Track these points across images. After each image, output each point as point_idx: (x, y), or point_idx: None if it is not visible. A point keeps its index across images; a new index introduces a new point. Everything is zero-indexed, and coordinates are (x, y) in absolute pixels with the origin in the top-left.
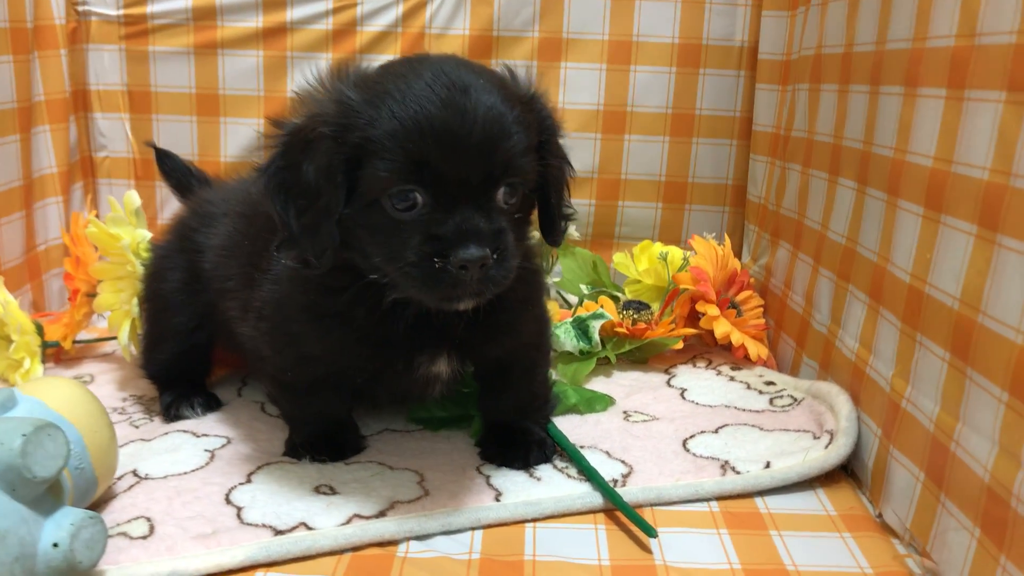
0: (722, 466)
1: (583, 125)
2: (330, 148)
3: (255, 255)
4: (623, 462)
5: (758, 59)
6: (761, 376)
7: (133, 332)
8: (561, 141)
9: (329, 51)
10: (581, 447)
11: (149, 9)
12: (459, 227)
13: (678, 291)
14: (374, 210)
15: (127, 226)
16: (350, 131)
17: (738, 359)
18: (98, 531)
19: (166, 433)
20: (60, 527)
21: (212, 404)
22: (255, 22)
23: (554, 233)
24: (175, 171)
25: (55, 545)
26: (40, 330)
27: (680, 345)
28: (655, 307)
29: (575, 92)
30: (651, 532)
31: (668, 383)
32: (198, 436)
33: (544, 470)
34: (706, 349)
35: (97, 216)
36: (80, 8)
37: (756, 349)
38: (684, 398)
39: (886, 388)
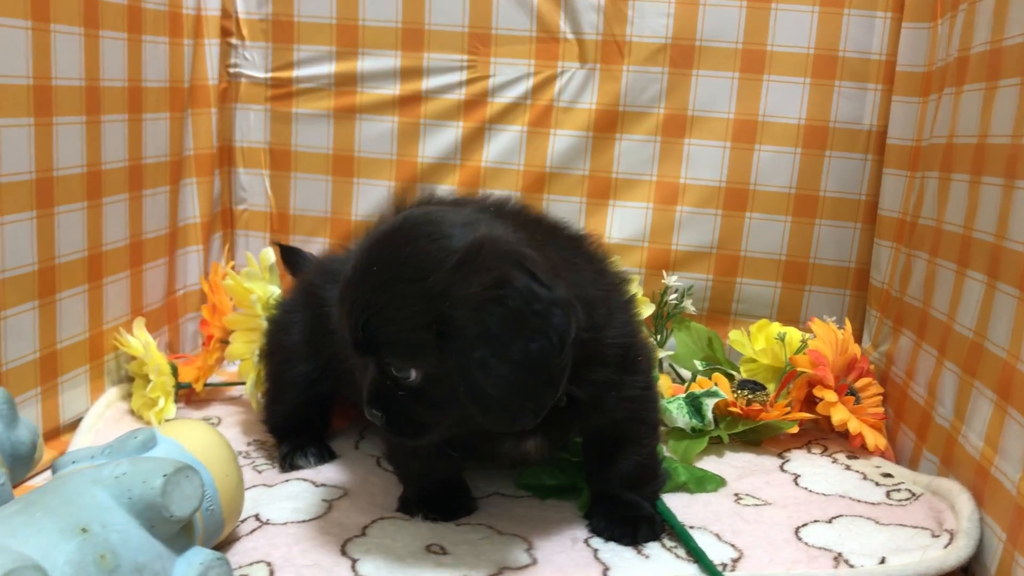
0: (835, 558)
1: (704, 201)
2: None
3: None
4: (733, 546)
5: (886, 144)
6: (879, 467)
7: (260, 382)
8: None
9: (460, 119)
10: (690, 527)
11: (295, 73)
12: (367, 385)
13: (795, 373)
14: None
15: (260, 281)
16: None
17: (855, 448)
18: (224, 572)
19: (287, 480)
20: (191, 565)
21: (325, 455)
22: (392, 90)
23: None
24: (300, 265)
25: None
26: (175, 371)
27: (796, 429)
28: (771, 388)
29: (698, 168)
30: None
31: (781, 468)
32: (317, 485)
33: (652, 548)
34: (822, 435)
35: (233, 266)
36: (232, 70)
37: (874, 439)
38: (798, 484)
39: (1012, 491)
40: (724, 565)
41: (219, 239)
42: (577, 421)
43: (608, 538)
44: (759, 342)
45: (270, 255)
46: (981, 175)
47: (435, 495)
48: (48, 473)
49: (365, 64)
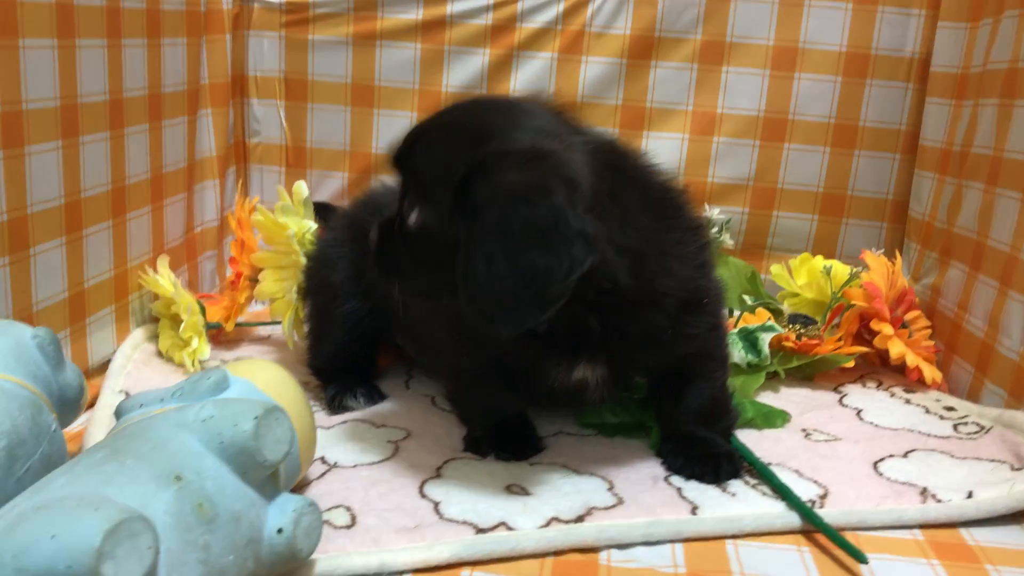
0: (921, 492)
1: (742, 131)
2: None
3: None
4: (815, 482)
5: (930, 71)
6: (939, 401)
7: (297, 321)
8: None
9: (487, 46)
10: (768, 464)
11: None
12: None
13: (843, 307)
14: None
15: (295, 216)
16: None
17: (911, 381)
18: (316, 519)
19: (344, 422)
20: (284, 513)
21: (375, 396)
22: (415, 14)
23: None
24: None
25: (279, 531)
26: (203, 311)
27: (852, 363)
28: (818, 322)
29: (735, 97)
30: (861, 558)
31: (840, 402)
32: (377, 426)
33: (736, 485)
34: (874, 369)
35: (257, 200)
36: None
37: (931, 372)
38: (862, 419)
39: None
40: (812, 502)
41: (232, 174)
42: (637, 356)
43: (689, 476)
44: (802, 276)
45: (303, 188)
46: None
47: (503, 434)
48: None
49: None
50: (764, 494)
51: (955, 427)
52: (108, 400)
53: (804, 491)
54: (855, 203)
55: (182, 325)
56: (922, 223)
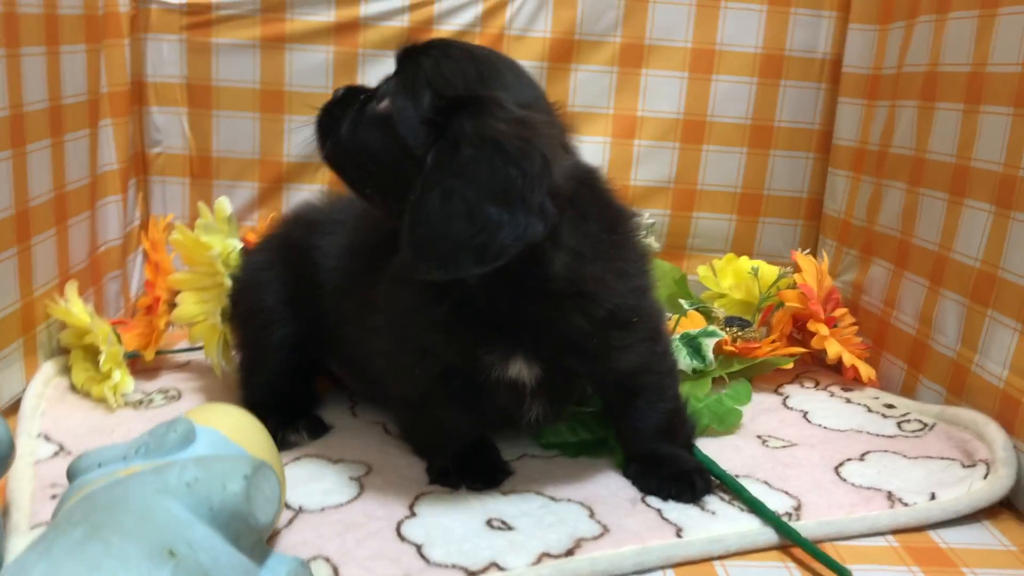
0: (888, 497)
1: (663, 134)
2: None
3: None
4: (786, 493)
5: (842, 72)
6: (877, 398)
7: (226, 348)
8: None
9: None
10: (736, 476)
11: None
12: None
13: (772, 307)
14: None
15: (218, 234)
16: None
17: (847, 380)
18: None
19: (297, 458)
20: None
21: (318, 428)
22: (327, 16)
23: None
24: None
25: None
26: (119, 340)
27: (791, 365)
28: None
29: (656, 100)
30: (845, 572)
31: (785, 404)
32: (334, 462)
33: (713, 503)
34: (808, 368)
35: (172, 218)
36: None
37: (866, 370)
38: (809, 421)
39: None
40: (788, 515)
41: (133, 187)
42: (569, 361)
43: (666, 497)
44: (727, 277)
45: (227, 204)
46: (980, 103)
47: (469, 461)
48: None
49: None
50: (741, 510)
51: (899, 425)
52: (26, 447)
53: (777, 503)
54: (771, 202)
55: (101, 357)
56: (838, 220)
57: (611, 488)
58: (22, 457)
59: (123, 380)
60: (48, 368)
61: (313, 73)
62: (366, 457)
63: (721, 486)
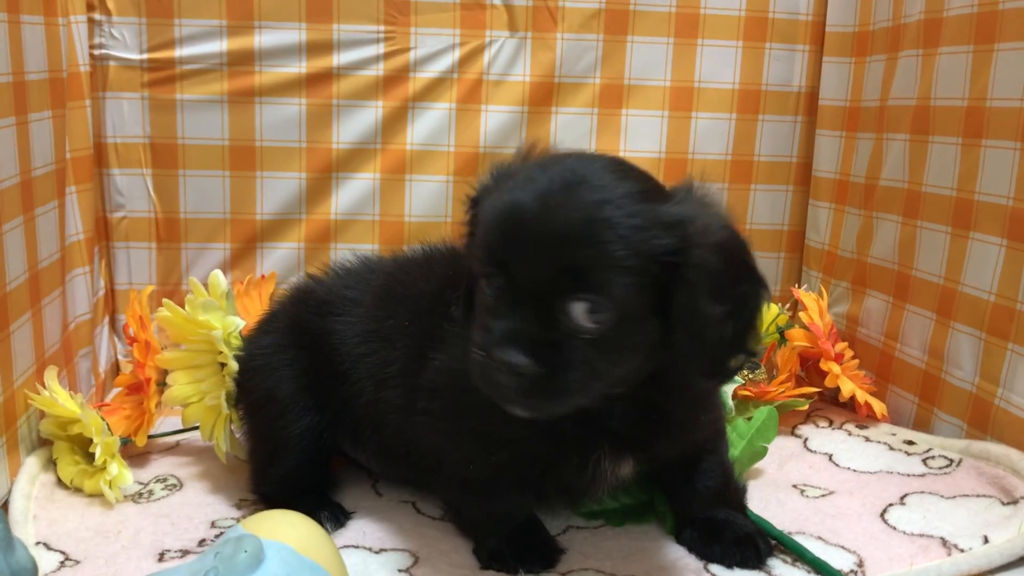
0: (942, 544)
1: None
2: (468, 221)
3: (420, 335)
4: (844, 548)
5: (819, 105)
6: (895, 435)
7: (231, 434)
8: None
9: (380, 99)
10: (789, 534)
11: (178, 53)
12: (506, 327)
13: (773, 346)
14: (480, 288)
15: (217, 312)
16: (474, 205)
17: (858, 416)
18: None
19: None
20: None
21: (340, 517)
22: (298, 67)
23: (688, 372)
24: None
25: None
26: (110, 429)
27: (806, 406)
28: None
29: (637, 140)
30: None
31: (806, 447)
32: (376, 552)
33: (778, 566)
34: (817, 406)
35: (151, 290)
36: (97, 52)
37: (879, 406)
38: (836, 464)
39: None
40: (853, 572)
41: (96, 254)
42: (667, 443)
43: (731, 564)
44: None
45: (222, 279)
46: (981, 137)
47: (520, 542)
48: None
49: (264, 39)
50: (808, 572)
51: (924, 462)
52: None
53: (839, 561)
54: (754, 236)
55: (96, 449)
56: (822, 252)
57: (670, 558)
58: None
59: (121, 473)
60: (31, 464)
61: (286, 127)
62: (408, 544)
63: (779, 546)
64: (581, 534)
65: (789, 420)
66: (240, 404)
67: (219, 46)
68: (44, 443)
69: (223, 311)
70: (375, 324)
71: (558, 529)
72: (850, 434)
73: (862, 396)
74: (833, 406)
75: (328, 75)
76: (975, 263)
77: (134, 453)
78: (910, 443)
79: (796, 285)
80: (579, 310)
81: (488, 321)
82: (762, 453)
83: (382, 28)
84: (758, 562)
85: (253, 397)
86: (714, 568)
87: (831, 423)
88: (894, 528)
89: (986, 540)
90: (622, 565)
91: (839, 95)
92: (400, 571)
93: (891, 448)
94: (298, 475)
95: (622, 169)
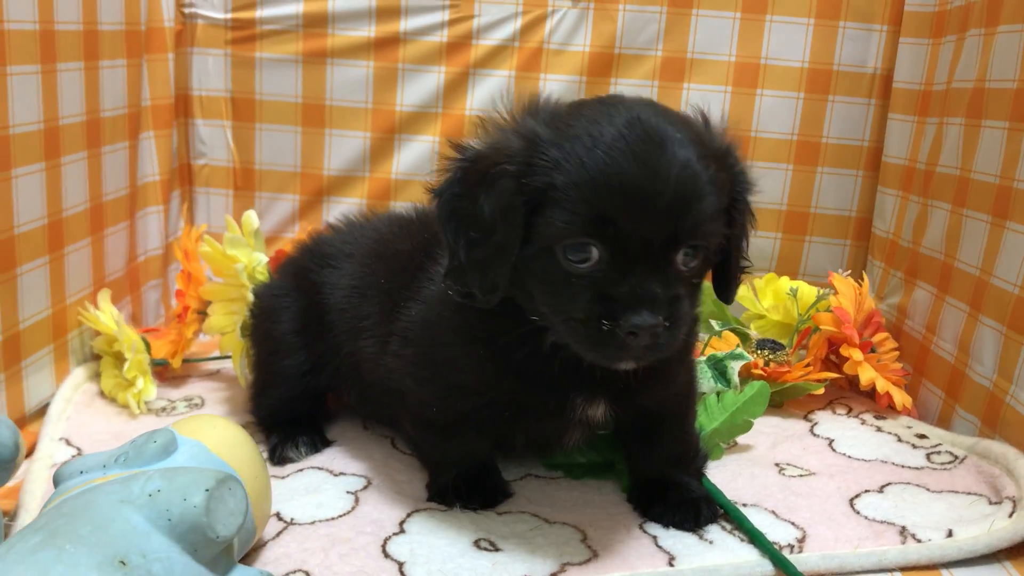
0: (900, 532)
1: None
2: (511, 187)
3: (395, 291)
4: (793, 524)
5: (892, 88)
6: (910, 428)
7: (249, 358)
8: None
9: (442, 64)
10: (743, 505)
11: (258, 14)
12: (634, 291)
13: (810, 330)
14: (547, 258)
15: (245, 248)
16: (534, 173)
17: (881, 407)
18: None
19: (300, 470)
20: None
21: (318, 444)
22: (367, 31)
23: (729, 291)
24: None
25: None
26: (148, 347)
27: (822, 390)
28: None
29: None
30: None
31: (812, 431)
32: (335, 475)
33: (714, 532)
34: (842, 394)
35: (205, 228)
36: (187, 11)
37: (901, 398)
38: (835, 450)
39: None
40: (791, 546)
41: (177, 198)
42: (646, 392)
43: (668, 524)
44: (767, 298)
45: (254, 218)
46: (1022, 122)
47: (471, 482)
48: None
49: (337, 3)
50: (742, 540)
51: (928, 456)
52: (46, 450)
53: (782, 534)
54: (818, 221)
55: (126, 364)
56: (886, 241)
57: (610, 512)
58: (40, 460)
59: (146, 387)
60: (79, 373)
61: (353, 87)
62: (368, 471)
63: (726, 515)
64: (537, 482)
65: (808, 404)
66: (247, 336)
67: (296, 8)
68: (96, 358)
69: (250, 247)
70: (357, 280)
71: (517, 476)
72: (864, 423)
73: (883, 386)
74: (859, 395)
75: (395, 40)
76: (1007, 253)
77: (175, 375)
78: (922, 437)
79: (839, 270)
80: (682, 256)
81: (588, 291)
82: (745, 427)
83: None
84: (695, 526)
85: (256, 332)
86: (649, 526)
87: (849, 411)
88: (858, 512)
89: (950, 534)
90: (559, 513)
91: (914, 78)
92: (348, 492)
93: (899, 440)
94: (285, 406)
95: (674, 116)
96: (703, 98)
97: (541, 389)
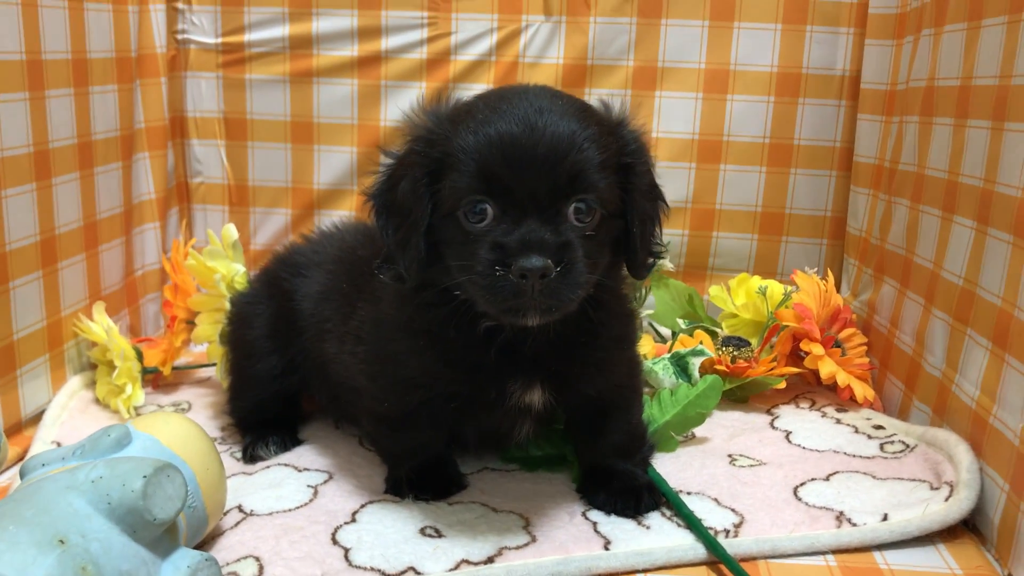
0: (837, 517)
1: (677, 155)
2: (416, 163)
3: (352, 293)
4: (733, 510)
5: (860, 88)
6: (869, 419)
7: (225, 363)
8: (656, 177)
9: (423, 80)
10: (688, 493)
11: (247, 38)
12: (522, 237)
13: (778, 327)
14: (451, 222)
15: (223, 259)
16: (433, 146)
17: (844, 400)
18: (213, 573)
19: (268, 467)
20: (178, 569)
21: (288, 443)
22: (351, 51)
23: (636, 266)
24: None
25: None
26: (140, 355)
27: (783, 385)
28: (754, 343)
29: (670, 121)
30: None
31: (772, 424)
32: (300, 471)
33: (653, 518)
34: (808, 388)
35: (194, 243)
36: (180, 37)
37: (862, 391)
38: (790, 441)
39: (1014, 440)
40: (727, 531)
41: (176, 215)
42: (583, 379)
43: (610, 511)
44: (740, 297)
45: (232, 231)
46: (966, 118)
47: (425, 474)
48: (13, 475)
49: (320, 25)
50: (679, 526)
51: (882, 446)
52: (38, 452)
53: (720, 520)
54: (794, 221)
55: (115, 371)
56: (859, 239)
57: (557, 501)
58: (37, 468)
59: (135, 393)
60: (75, 381)
61: (339, 105)
62: (331, 466)
63: (669, 503)
64: (492, 475)
65: (773, 399)
66: (225, 343)
67: (282, 31)
68: (93, 367)
69: (229, 259)
70: (323, 286)
71: (474, 469)
72: (824, 416)
73: (844, 379)
74: (824, 389)
75: (377, 58)
76: (953, 247)
77: (169, 382)
78: (879, 428)
79: (807, 269)
80: (574, 211)
81: (484, 244)
82: (698, 420)
83: (426, 14)
84: (635, 512)
85: (231, 337)
86: (592, 513)
87: (812, 404)
88: (799, 499)
89: (885, 518)
90: (508, 503)
91: (880, 78)
92: (308, 486)
93: (856, 431)
94: (258, 407)
95: (566, 95)
96: (675, 105)
97: (480, 377)
